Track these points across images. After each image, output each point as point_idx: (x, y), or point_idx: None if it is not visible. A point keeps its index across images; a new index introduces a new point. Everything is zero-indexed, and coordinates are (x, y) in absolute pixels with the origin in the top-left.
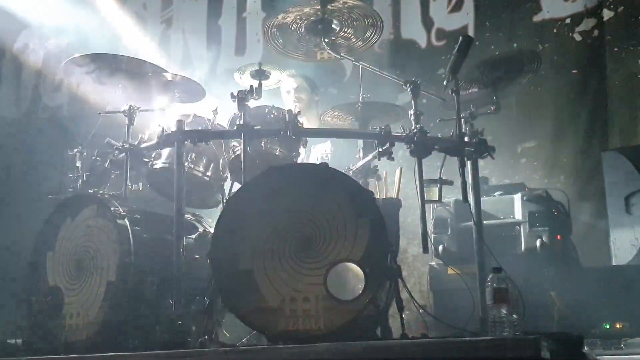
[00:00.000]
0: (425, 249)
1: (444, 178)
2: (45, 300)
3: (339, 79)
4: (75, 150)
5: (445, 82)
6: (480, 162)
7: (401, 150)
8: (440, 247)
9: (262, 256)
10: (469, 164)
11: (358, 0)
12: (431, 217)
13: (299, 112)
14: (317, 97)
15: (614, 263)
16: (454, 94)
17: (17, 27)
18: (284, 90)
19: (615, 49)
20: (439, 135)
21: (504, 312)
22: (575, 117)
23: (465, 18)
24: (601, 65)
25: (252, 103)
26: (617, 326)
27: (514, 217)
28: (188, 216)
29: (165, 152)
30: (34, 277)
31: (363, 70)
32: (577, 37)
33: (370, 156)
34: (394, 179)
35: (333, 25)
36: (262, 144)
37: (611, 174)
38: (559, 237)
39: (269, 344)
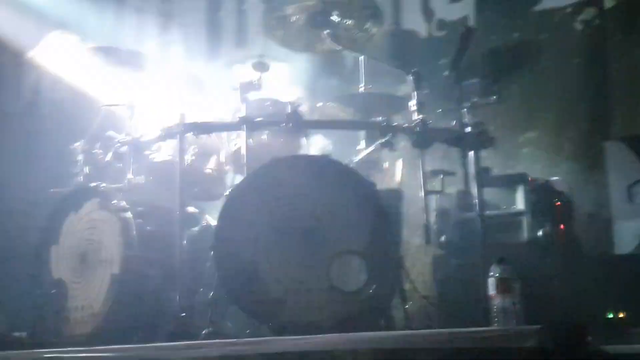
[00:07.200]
0: (428, 240)
1: (445, 169)
2: (49, 294)
3: (339, 71)
4: (76, 143)
5: (446, 73)
6: (482, 153)
7: (403, 141)
8: (443, 238)
9: (265, 248)
10: (470, 154)
11: None
12: (433, 208)
13: (300, 104)
14: None
15: (616, 252)
16: (455, 85)
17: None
18: None
19: (617, 38)
20: (441, 126)
21: (507, 302)
22: (577, 107)
23: (466, 8)
24: (603, 54)
25: (253, 95)
26: (621, 316)
27: (516, 208)
28: (191, 208)
29: (167, 144)
30: (38, 271)
31: (363, 61)
32: (579, 26)
33: (372, 147)
34: (396, 170)
35: (333, 17)
36: (264, 136)
37: (614, 163)
38: (561, 227)
39: (272, 335)
